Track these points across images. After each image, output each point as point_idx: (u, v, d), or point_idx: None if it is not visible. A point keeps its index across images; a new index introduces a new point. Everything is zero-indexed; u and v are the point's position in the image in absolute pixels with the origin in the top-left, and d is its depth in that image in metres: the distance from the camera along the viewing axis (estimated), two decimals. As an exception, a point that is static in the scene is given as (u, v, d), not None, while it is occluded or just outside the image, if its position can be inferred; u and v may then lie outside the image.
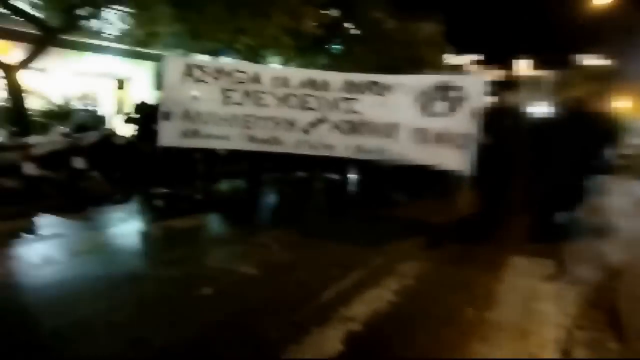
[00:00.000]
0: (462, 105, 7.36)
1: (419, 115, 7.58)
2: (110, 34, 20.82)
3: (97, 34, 20.40)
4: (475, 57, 70.94)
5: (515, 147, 8.04)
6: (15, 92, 13.46)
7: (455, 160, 7.28)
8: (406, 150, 7.61)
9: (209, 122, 8.20)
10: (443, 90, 7.54)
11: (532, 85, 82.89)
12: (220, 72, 8.32)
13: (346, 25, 25.28)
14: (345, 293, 4.99)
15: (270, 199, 9.94)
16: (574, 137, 7.70)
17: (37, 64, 14.36)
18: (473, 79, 8.00)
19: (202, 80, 8.26)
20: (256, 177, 9.85)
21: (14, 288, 5.04)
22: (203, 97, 8.29)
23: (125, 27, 19.29)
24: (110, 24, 20.51)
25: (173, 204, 9.28)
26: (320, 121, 7.98)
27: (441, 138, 7.40)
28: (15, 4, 13.79)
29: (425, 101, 7.57)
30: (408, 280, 5.50)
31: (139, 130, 10.22)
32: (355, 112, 7.89)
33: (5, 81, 13.50)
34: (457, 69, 70.26)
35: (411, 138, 7.58)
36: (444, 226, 7.97)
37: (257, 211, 9.18)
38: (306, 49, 21.09)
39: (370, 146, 7.79)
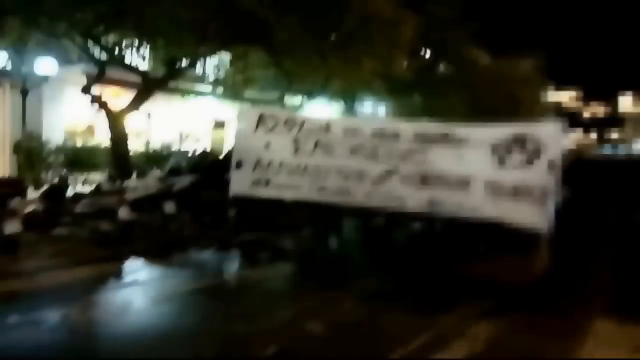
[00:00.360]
0: (539, 157, 6.97)
1: (493, 168, 7.24)
2: (209, 80, 21.95)
3: (198, 80, 21.57)
4: (575, 93, 68.37)
5: (598, 201, 7.60)
6: (119, 136, 14.28)
7: (533, 215, 6.84)
8: (481, 204, 7.24)
9: (280, 172, 8.21)
10: (519, 141, 7.16)
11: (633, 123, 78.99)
12: (292, 123, 8.37)
13: (440, 65, 24.88)
14: (412, 356, 4.85)
15: (347, 249, 9.89)
16: None
17: (141, 108, 15.23)
18: (550, 128, 7.35)
19: (274, 130, 8.32)
20: (333, 226, 9.74)
21: (89, 335, 5.32)
22: (275, 146, 8.30)
23: (223, 73, 20.37)
24: (209, 70, 21.68)
25: (254, 252, 9.35)
26: (391, 173, 7.74)
27: (518, 192, 7.01)
28: (124, 55, 14.88)
29: (501, 153, 7.23)
30: (478, 345, 5.28)
31: (202, 178, 10.66)
32: (426, 164, 7.61)
33: (110, 126, 14.33)
34: (556, 106, 68.54)
35: (486, 192, 7.22)
36: (520, 286, 7.42)
37: (333, 263, 9.06)
38: (398, 91, 21.18)
39: (442, 200, 7.44)
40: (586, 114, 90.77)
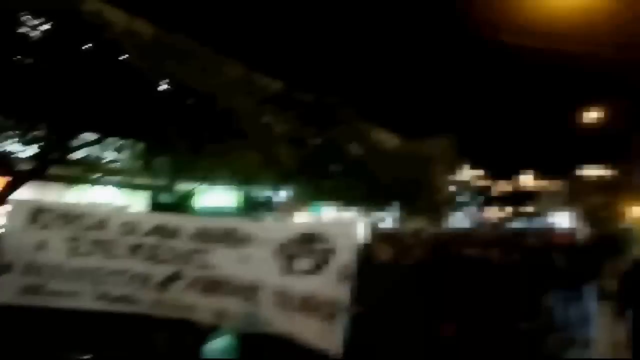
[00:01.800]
0: (328, 263, 5.99)
1: (281, 274, 6.21)
2: (103, 166, 21.79)
3: (90, 167, 21.35)
4: (482, 171, 71.76)
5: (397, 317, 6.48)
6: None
7: (322, 334, 5.81)
8: (271, 317, 6.21)
9: (55, 277, 6.82)
10: (307, 242, 6.18)
11: (546, 197, 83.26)
12: (68, 217, 7.07)
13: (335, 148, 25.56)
14: None
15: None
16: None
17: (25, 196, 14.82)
18: (342, 227, 6.41)
19: (50, 227, 6.98)
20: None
21: None
22: (50, 246, 6.91)
23: (118, 159, 20.35)
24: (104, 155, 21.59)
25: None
26: (175, 277, 6.61)
27: (306, 305, 5.98)
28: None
29: (288, 256, 6.24)
30: None
31: None
32: (210, 267, 6.55)
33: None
34: (463, 184, 71.62)
35: (275, 303, 6.19)
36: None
37: None
38: (289, 177, 21.63)
39: (231, 311, 6.36)
40: (495, 191, 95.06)
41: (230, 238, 6.56)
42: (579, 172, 51.46)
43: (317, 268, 6.00)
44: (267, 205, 25.30)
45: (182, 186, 21.46)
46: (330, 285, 5.84)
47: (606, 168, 43.74)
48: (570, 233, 16.94)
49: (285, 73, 23.47)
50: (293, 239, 6.24)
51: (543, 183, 70.36)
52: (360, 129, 29.67)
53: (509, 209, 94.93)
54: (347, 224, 6.79)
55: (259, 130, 15.44)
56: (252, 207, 23.94)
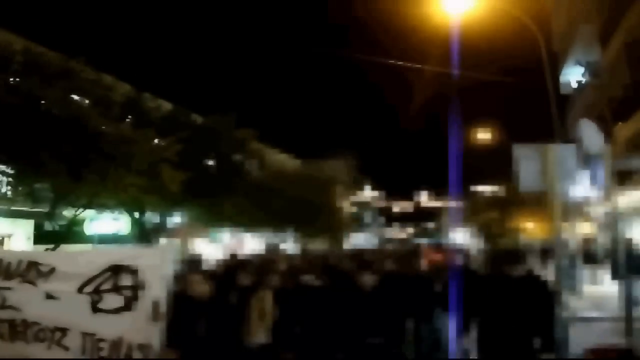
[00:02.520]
0: (137, 299, 5.30)
1: (89, 314, 5.38)
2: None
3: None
4: (379, 192, 73.72)
5: None
6: None
7: None
8: None
9: None
10: (116, 274, 5.42)
11: (445, 215, 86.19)
12: None
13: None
14: None
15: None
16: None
17: None
18: (152, 257, 5.59)
19: None
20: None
21: None
22: None
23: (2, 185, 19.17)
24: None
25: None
26: None
27: (116, 349, 5.24)
28: None
29: (95, 291, 5.43)
30: None
31: None
32: (11, 307, 5.56)
33: None
34: (364, 205, 73.11)
35: (83, 348, 5.34)
36: None
37: None
38: (180, 202, 20.98)
39: (38, 358, 5.45)
40: (395, 209, 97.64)
41: (34, 271, 5.64)
42: (473, 190, 53.55)
43: (126, 305, 5.33)
44: (160, 231, 24.43)
45: (67, 213, 20.46)
46: (140, 326, 5.21)
47: (498, 185, 45.79)
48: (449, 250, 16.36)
49: (174, 94, 23.05)
50: (100, 271, 5.46)
51: (440, 201, 72.81)
52: (257, 149, 29.35)
53: (410, 228, 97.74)
54: (158, 253, 5.85)
55: (143, 154, 14.76)
56: (144, 233, 23.03)
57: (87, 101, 14.86)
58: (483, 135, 35.49)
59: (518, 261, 5.86)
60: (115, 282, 5.40)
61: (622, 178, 23.70)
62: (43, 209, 19.15)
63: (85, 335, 5.33)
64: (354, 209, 62.47)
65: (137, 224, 22.78)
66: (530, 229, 37.59)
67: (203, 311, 5.42)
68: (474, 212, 49.70)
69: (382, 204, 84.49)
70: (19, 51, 13.80)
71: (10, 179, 17.14)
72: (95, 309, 5.39)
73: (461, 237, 56.08)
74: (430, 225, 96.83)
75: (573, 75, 27.48)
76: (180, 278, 6.01)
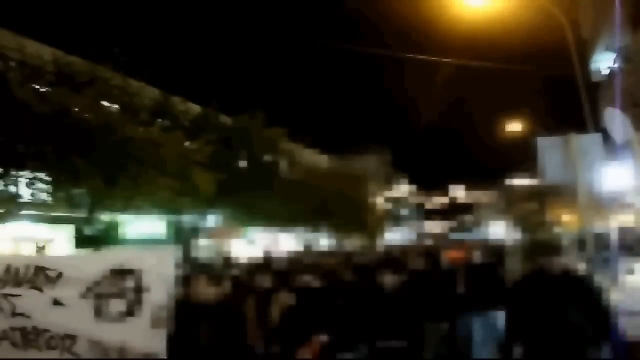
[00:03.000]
0: (141, 304, 5.27)
1: (94, 321, 5.33)
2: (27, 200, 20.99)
3: (13, 201, 20.49)
4: (414, 186, 72.98)
5: None
6: None
7: None
8: None
9: None
10: (119, 278, 5.38)
11: (481, 208, 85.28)
12: None
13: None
14: None
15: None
16: None
17: None
18: (155, 259, 5.58)
19: None
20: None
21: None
22: None
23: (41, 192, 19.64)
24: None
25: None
26: None
27: (123, 356, 5.21)
28: None
29: (98, 296, 5.38)
30: None
31: None
32: (22, 315, 5.43)
33: None
34: (399, 201, 72.60)
35: (93, 355, 5.28)
36: None
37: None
38: (214, 203, 21.17)
39: None
40: (431, 204, 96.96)
41: (42, 277, 5.51)
42: (508, 183, 52.85)
43: (129, 312, 5.27)
44: (196, 232, 24.76)
45: (105, 217, 20.87)
46: (141, 334, 5.16)
47: (532, 177, 45.02)
48: (470, 246, 15.48)
49: (204, 96, 23.18)
50: (102, 275, 5.38)
51: (476, 195, 71.90)
52: (289, 148, 29.49)
53: (447, 222, 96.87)
54: (161, 256, 5.76)
55: (174, 158, 15.02)
56: (181, 235, 23.39)
57: (116, 107, 15.17)
58: (514, 127, 34.98)
59: (554, 252, 5.54)
60: (117, 286, 5.35)
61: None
62: (82, 214, 19.68)
63: (92, 342, 5.25)
64: (390, 205, 62.15)
65: (174, 226, 23.16)
66: (568, 220, 36.92)
67: (208, 316, 5.38)
68: (510, 205, 49.06)
69: (418, 199, 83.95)
70: (49, 61, 14.18)
71: (48, 186, 17.64)
72: (99, 314, 5.33)
73: (498, 230, 55.41)
74: (469, 218, 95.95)
75: (604, 62, 26.84)
76: (185, 281, 5.93)
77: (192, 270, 7.07)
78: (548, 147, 7.78)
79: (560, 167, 7.64)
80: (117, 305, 5.27)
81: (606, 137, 8.52)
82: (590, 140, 7.83)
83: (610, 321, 5.36)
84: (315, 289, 6.81)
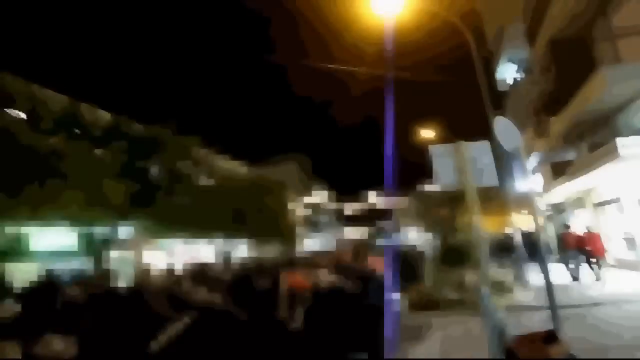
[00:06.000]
0: None
1: None
2: None
3: None
4: (328, 192, 73.85)
5: None
6: None
7: None
8: None
9: None
10: None
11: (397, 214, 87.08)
12: None
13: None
14: None
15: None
16: None
17: None
18: None
19: None
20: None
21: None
22: None
23: None
24: None
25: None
26: None
27: None
28: None
29: None
30: None
31: None
32: None
33: None
34: (317, 207, 73.31)
35: None
36: None
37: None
38: (125, 213, 20.78)
39: None
40: (349, 210, 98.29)
41: None
42: (420, 189, 54.39)
43: None
44: (108, 244, 24.15)
45: (9, 229, 20.06)
46: None
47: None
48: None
49: (116, 104, 22.73)
50: None
51: (392, 200, 73.32)
52: (203, 156, 29.30)
53: (366, 228, 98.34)
54: None
55: (81, 168, 14.70)
56: (93, 247, 22.72)
57: (18, 113, 14.71)
58: (426, 134, 36.16)
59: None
60: None
61: (557, 171, 24.59)
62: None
63: None
64: (308, 212, 62.64)
65: (85, 238, 22.51)
66: (480, 224, 38.31)
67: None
68: (425, 210, 50.37)
69: (335, 205, 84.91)
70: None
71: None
72: None
73: (414, 235, 56.68)
74: (387, 224, 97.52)
75: (508, 73, 28.38)
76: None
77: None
78: (440, 154, 8.29)
79: (452, 172, 8.16)
80: None
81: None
82: (479, 148, 8.39)
83: None
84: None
